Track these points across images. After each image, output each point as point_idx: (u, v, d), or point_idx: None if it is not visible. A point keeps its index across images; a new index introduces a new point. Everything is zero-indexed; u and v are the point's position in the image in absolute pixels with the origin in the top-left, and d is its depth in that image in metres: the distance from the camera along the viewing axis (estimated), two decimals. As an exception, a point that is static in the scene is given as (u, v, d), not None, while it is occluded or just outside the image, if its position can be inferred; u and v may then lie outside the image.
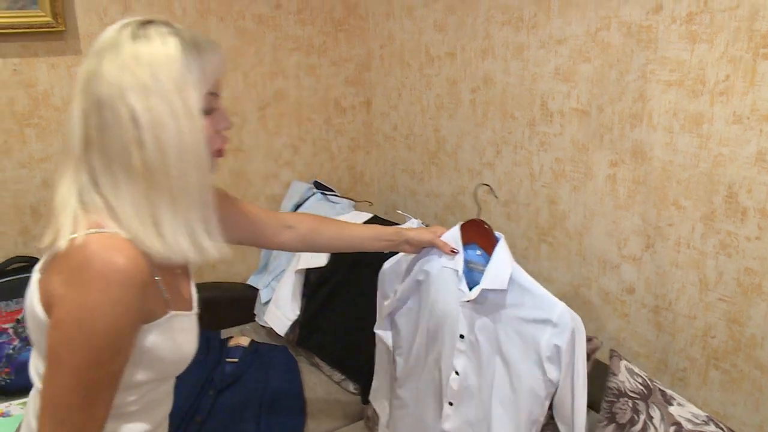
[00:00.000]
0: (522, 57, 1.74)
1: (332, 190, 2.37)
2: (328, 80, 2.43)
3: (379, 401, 1.69)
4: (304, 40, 2.33)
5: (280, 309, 2.14)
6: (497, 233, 1.34)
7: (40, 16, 1.89)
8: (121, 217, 0.90)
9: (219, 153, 0.99)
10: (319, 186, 2.37)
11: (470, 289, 1.31)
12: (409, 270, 1.46)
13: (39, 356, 0.98)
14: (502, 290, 1.26)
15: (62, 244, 0.88)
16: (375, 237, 1.39)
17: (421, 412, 1.49)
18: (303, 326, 2.10)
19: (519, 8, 1.72)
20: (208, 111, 0.93)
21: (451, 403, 1.40)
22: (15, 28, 1.87)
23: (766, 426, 1.37)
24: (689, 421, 1.15)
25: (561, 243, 1.74)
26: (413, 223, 1.52)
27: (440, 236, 1.38)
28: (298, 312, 2.12)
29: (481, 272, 1.31)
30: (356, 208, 2.28)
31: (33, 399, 1.05)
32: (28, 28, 1.88)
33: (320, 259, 2.07)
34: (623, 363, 1.27)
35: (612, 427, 1.24)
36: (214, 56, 0.93)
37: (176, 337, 0.99)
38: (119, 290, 0.85)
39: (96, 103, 0.88)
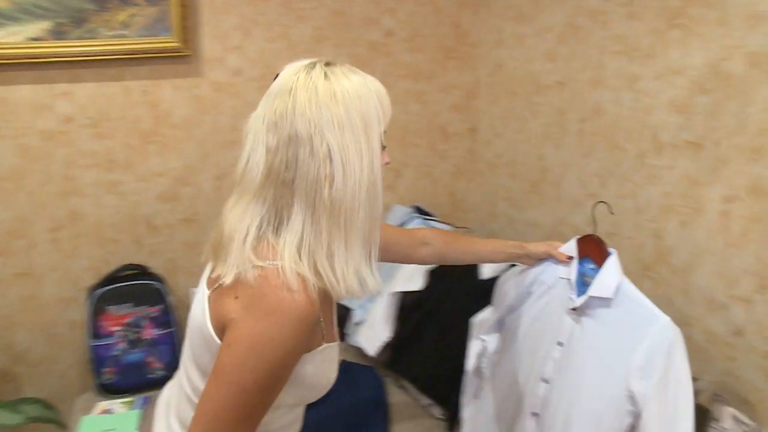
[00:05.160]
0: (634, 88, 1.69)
1: (432, 216, 2.37)
2: (435, 106, 2.45)
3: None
4: (414, 67, 2.37)
5: (373, 330, 2.15)
6: (610, 249, 1.38)
7: (171, 42, 2.03)
8: (297, 251, 0.92)
9: None
10: (419, 211, 2.38)
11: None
12: (528, 281, 1.52)
13: (198, 370, 1.03)
14: (607, 299, 1.29)
15: (245, 273, 0.91)
16: (499, 251, 1.50)
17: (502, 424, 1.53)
18: (394, 348, 2.10)
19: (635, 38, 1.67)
20: (382, 148, 0.96)
21: (535, 414, 1.41)
22: (148, 53, 2.02)
23: None
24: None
25: (664, 279, 1.65)
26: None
27: (557, 248, 1.47)
28: (389, 334, 2.12)
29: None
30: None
31: (177, 407, 1.11)
32: (159, 53, 2.03)
33: (416, 283, 2.06)
34: (728, 409, 1.18)
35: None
36: (386, 95, 0.96)
37: (324, 367, 1.05)
38: (294, 326, 0.89)
39: (289, 139, 0.90)
